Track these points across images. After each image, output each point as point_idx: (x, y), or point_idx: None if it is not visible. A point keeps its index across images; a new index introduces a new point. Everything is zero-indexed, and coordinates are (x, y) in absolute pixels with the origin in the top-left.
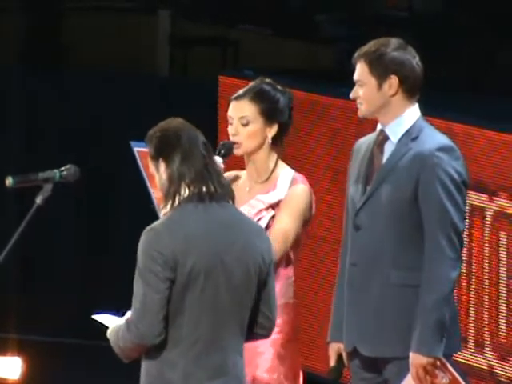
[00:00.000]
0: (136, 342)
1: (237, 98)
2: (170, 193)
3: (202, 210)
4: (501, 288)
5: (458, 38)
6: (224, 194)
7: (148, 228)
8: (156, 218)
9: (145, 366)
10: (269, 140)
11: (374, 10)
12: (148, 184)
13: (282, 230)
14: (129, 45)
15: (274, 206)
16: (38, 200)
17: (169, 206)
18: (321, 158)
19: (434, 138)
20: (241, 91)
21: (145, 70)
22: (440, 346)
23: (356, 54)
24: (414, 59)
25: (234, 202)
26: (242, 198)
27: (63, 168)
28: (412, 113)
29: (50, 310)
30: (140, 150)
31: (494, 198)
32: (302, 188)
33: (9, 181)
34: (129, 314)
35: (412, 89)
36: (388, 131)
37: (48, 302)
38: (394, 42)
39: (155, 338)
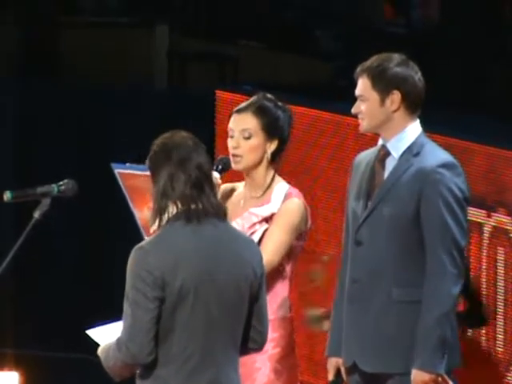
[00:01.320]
0: (126, 362)
1: (239, 111)
2: (157, 209)
3: (190, 228)
4: (498, 303)
5: (454, 53)
6: (215, 212)
7: (136, 247)
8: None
9: None
10: (268, 156)
11: (371, 25)
12: (131, 205)
13: (273, 242)
14: (127, 60)
15: (267, 219)
16: (36, 214)
17: (157, 223)
18: (319, 174)
19: (435, 154)
20: (243, 104)
21: (142, 84)
22: (442, 362)
23: (358, 69)
24: (416, 75)
25: (226, 219)
26: (236, 211)
27: (61, 182)
28: (413, 128)
29: (46, 325)
30: (121, 171)
31: (492, 213)
32: (296, 202)
33: (6, 195)
34: (120, 324)
35: (414, 104)
36: (390, 147)
37: (45, 316)
38: (397, 57)
39: (146, 358)
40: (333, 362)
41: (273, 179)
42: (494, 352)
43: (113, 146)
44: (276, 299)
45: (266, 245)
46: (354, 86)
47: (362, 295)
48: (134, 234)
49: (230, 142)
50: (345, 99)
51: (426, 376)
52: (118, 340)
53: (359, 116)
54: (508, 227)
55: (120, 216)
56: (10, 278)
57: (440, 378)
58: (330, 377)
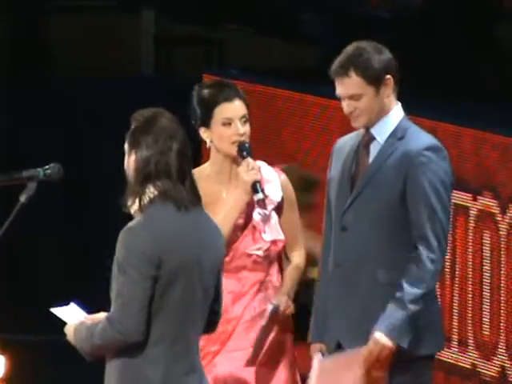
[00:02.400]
0: (118, 339)
1: (229, 100)
2: (138, 190)
3: (176, 212)
4: (484, 287)
5: (439, 39)
6: (195, 197)
7: (127, 228)
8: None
9: (121, 364)
10: None
11: (358, 10)
12: None
13: (300, 230)
14: (112, 44)
15: (279, 205)
16: (22, 198)
17: (137, 204)
18: (305, 157)
19: (420, 137)
20: (229, 92)
21: (129, 69)
22: (408, 338)
23: (335, 70)
24: (391, 56)
25: (201, 204)
26: (218, 201)
27: (47, 166)
28: (397, 112)
29: (33, 308)
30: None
31: (478, 197)
32: (286, 178)
33: None
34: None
35: (397, 87)
36: (374, 132)
37: (31, 300)
38: (366, 44)
39: (139, 336)
40: (317, 348)
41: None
42: (479, 335)
43: (100, 131)
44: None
45: (297, 234)
46: None
47: (348, 278)
48: (118, 219)
49: (232, 129)
50: (331, 83)
51: (389, 342)
52: (110, 317)
53: (354, 114)
54: (493, 210)
55: (104, 201)
56: None
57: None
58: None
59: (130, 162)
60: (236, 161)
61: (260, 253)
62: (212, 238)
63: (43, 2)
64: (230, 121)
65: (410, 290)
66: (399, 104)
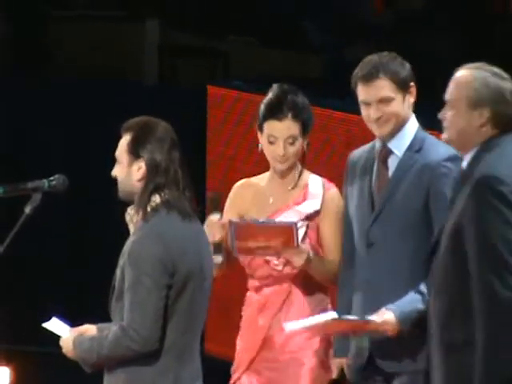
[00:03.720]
0: (133, 348)
1: (279, 118)
2: (145, 201)
3: (181, 220)
4: None
5: (443, 47)
6: (193, 206)
7: (137, 239)
8: None
9: (128, 374)
10: (305, 151)
11: (360, 19)
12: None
13: (336, 243)
14: (117, 54)
15: (309, 217)
16: (27, 209)
17: (141, 213)
18: (308, 167)
19: (439, 148)
20: (278, 107)
21: (133, 78)
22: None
23: (365, 74)
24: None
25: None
26: (264, 208)
27: (52, 178)
28: (412, 123)
29: (37, 321)
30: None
31: None
32: (337, 192)
33: None
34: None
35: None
36: (391, 146)
37: (36, 312)
38: (392, 54)
39: (154, 344)
40: (336, 362)
41: (301, 172)
42: None
43: (102, 141)
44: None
45: (330, 245)
46: (344, 80)
47: (377, 295)
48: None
49: (275, 148)
50: (335, 95)
51: (396, 329)
52: (125, 327)
53: (382, 119)
54: None
55: (107, 211)
56: (2, 274)
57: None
58: (334, 375)
59: (132, 171)
60: (280, 172)
61: (276, 261)
62: (208, 247)
63: (50, 11)
64: (274, 139)
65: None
66: (413, 115)
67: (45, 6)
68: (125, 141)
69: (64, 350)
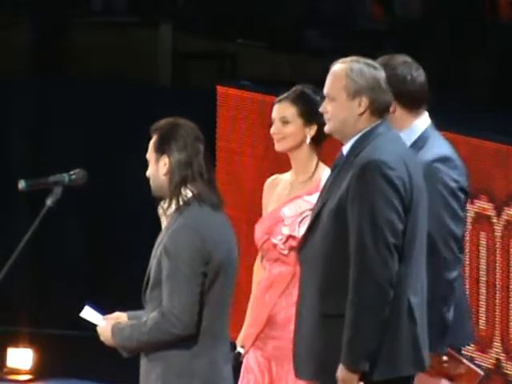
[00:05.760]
0: (174, 333)
1: (279, 101)
2: (177, 194)
3: (213, 213)
4: (481, 284)
5: (440, 51)
6: (220, 198)
7: (173, 230)
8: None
9: (166, 359)
10: (308, 140)
11: (359, 24)
12: None
13: None
14: (131, 58)
15: None
16: (49, 202)
17: (173, 206)
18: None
19: (433, 148)
20: (284, 94)
21: (146, 82)
22: (442, 342)
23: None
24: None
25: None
26: (281, 199)
27: (72, 172)
28: (423, 121)
29: (60, 303)
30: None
31: (475, 200)
32: None
33: (21, 184)
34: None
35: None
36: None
37: (58, 295)
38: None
39: (193, 328)
40: None
41: (317, 165)
42: (477, 330)
43: (119, 139)
44: None
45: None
46: None
47: None
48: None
49: (272, 129)
50: None
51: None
52: (165, 313)
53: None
54: (489, 213)
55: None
56: (25, 258)
57: (444, 357)
58: None
59: (159, 167)
60: (292, 163)
61: (281, 246)
62: (234, 237)
63: (66, 17)
64: (273, 120)
65: (429, 297)
66: (426, 113)
67: (65, 14)
68: (152, 140)
69: (102, 338)
